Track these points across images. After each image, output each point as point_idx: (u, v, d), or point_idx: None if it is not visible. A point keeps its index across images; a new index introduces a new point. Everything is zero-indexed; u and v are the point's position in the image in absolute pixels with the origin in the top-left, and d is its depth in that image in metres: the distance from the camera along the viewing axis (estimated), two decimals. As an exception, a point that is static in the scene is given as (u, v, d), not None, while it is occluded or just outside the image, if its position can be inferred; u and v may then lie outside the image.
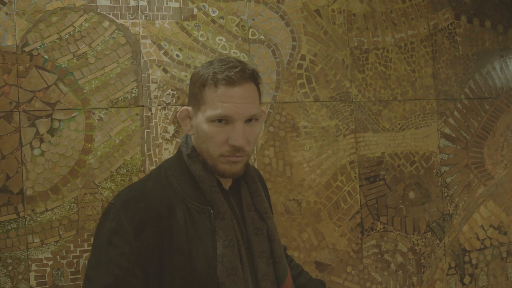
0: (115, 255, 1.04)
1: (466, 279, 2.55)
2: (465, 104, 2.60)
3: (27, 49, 1.88)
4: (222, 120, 1.09)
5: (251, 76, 1.13)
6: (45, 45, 1.91)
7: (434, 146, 2.52)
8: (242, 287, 1.12)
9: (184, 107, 1.17)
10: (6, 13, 1.87)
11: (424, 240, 2.48)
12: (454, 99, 2.58)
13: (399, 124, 2.46)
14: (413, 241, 2.46)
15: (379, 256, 2.39)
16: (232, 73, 1.09)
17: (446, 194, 2.54)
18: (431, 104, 2.52)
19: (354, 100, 2.37)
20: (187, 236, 1.09)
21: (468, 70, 2.62)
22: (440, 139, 2.54)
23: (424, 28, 2.53)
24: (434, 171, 2.52)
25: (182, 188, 1.14)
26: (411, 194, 2.47)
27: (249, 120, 1.12)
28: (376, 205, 2.39)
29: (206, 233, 1.12)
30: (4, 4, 1.86)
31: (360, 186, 2.36)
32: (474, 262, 2.57)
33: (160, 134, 2.04)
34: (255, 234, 1.22)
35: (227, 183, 1.24)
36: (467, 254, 2.56)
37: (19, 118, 1.87)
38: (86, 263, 1.92)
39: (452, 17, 2.59)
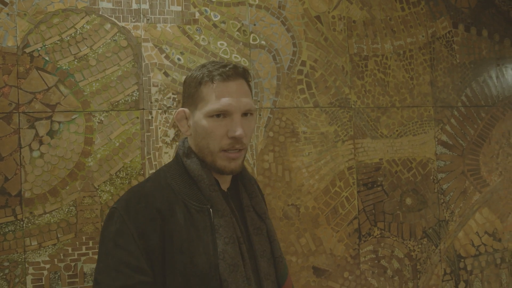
0: (123, 255, 1.06)
1: (461, 285, 2.57)
2: (462, 112, 2.63)
3: (27, 50, 1.87)
4: (220, 114, 1.14)
5: (243, 73, 1.20)
6: (46, 46, 1.89)
7: (431, 153, 2.54)
8: (244, 284, 1.14)
9: (181, 109, 1.21)
10: (8, 14, 1.85)
11: (420, 246, 2.50)
12: (451, 107, 2.60)
13: (397, 130, 2.47)
14: (409, 247, 2.47)
15: (376, 261, 2.40)
16: (227, 69, 1.16)
17: (442, 200, 2.56)
18: (429, 111, 2.55)
19: (353, 106, 2.38)
20: (187, 235, 1.11)
21: (465, 78, 2.65)
22: (437, 146, 2.56)
23: (423, 36, 2.55)
24: (431, 177, 2.54)
25: (180, 189, 1.17)
26: (408, 200, 2.48)
27: (245, 114, 1.18)
28: (373, 211, 2.40)
29: (206, 231, 1.13)
30: (5, 4, 1.85)
31: (358, 192, 2.37)
32: (469, 268, 2.59)
33: (160, 137, 2.03)
34: (255, 234, 1.25)
35: (225, 185, 1.26)
36: (462, 260, 2.58)
37: (19, 119, 1.85)
38: (83, 267, 1.91)
39: (450, 25, 2.62)
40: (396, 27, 2.50)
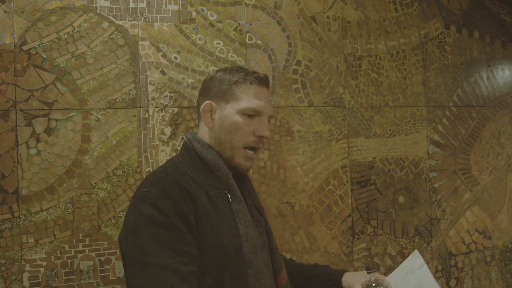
0: (174, 234, 1.07)
1: (452, 282, 2.61)
2: (454, 112, 2.67)
3: (25, 47, 1.87)
4: (252, 115, 1.24)
5: (269, 83, 1.33)
6: (44, 44, 1.90)
7: (423, 152, 2.58)
8: (263, 265, 1.22)
9: (208, 102, 1.27)
10: (5, 11, 1.85)
11: (412, 243, 2.54)
12: (443, 107, 2.64)
13: (390, 130, 2.51)
14: (401, 245, 2.51)
15: (369, 259, 2.43)
16: (262, 75, 1.28)
17: (434, 199, 2.60)
18: (421, 111, 2.58)
19: (347, 105, 2.41)
20: (213, 218, 1.16)
21: (457, 79, 2.69)
22: (429, 145, 2.60)
23: (416, 37, 2.59)
24: (423, 176, 2.58)
25: (198, 177, 1.22)
26: (401, 199, 2.52)
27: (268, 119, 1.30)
28: (367, 209, 2.43)
29: (227, 215, 1.19)
30: (3, 2, 1.85)
31: (351, 190, 2.40)
32: (460, 265, 2.64)
33: (157, 135, 2.05)
34: (257, 225, 1.32)
35: None
36: (453, 257, 2.63)
37: (16, 117, 1.86)
38: (80, 264, 1.91)
39: (442, 26, 2.66)
40: (390, 28, 2.53)
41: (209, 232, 1.13)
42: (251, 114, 1.24)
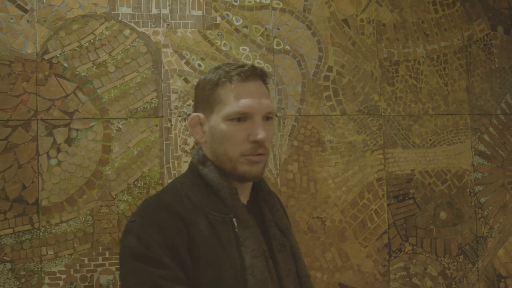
0: (157, 269, 0.96)
1: (501, 307, 2.39)
2: (501, 120, 2.46)
3: (47, 57, 1.85)
4: (241, 118, 1.05)
5: (262, 74, 1.11)
6: (65, 53, 1.87)
7: (467, 164, 2.39)
8: None
9: (194, 114, 1.12)
10: (28, 21, 1.84)
11: (455, 263, 2.34)
12: (490, 115, 2.44)
13: (430, 140, 2.33)
14: (443, 265, 2.32)
15: (407, 279, 2.26)
16: (245, 68, 1.07)
17: (480, 215, 2.39)
18: (465, 120, 2.39)
19: (383, 114, 2.26)
20: (212, 248, 1.01)
21: (505, 84, 2.49)
22: (474, 156, 2.40)
23: (458, 40, 2.41)
24: (468, 190, 2.38)
25: (199, 199, 1.07)
26: (442, 214, 2.33)
27: (265, 118, 1.08)
28: (404, 225, 2.26)
29: (231, 243, 1.04)
30: (25, 11, 1.84)
31: (388, 204, 2.24)
32: (510, 289, 2.41)
33: (180, 146, 1.97)
34: (279, 251, 1.13)
35: (243, 197, 1.15)
36: (502, 280, 2.40)
37: (37, 126, 1.83)
38: (100, 278, 1.86)
39: (488, 28, 2.47)
40: (429, 30, 2.36)
41: (206, 265, 1.00)
42: (239, 118, 1.05)
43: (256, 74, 1.09)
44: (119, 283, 1.03)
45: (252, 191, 1.18)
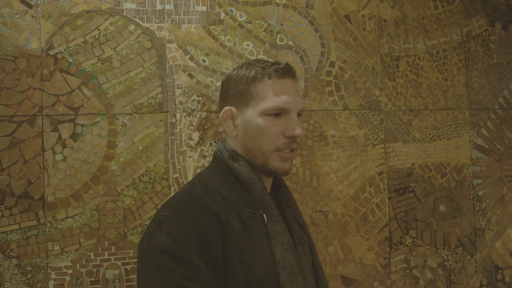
0: (186, 269, 0.94)
1: (499, 298, 2.43)
2: (499, 114, 2.50)
3: (51, 52, 1.85)
4: (277, 114, 1.07)
5: (293, 73, 1.13)
6: (70, 48, 1.87)
7: (466, 157, 2.42)
8: None
9: (227, 108, 1.12)
10: (32, 16, 1.83)
11: (454, 255, 2.38)
12: (488, 109, 2.48)
13: (430, 134, 2.36)
14: (443, 257, 2.36)
15: (408, 271, 2.29)
16: (282, 65, 1.09)
17: (478, 208, 2.43)
18: (464, 114, 2.43)
19: (384, 109, 2.28)
20: (244, 243, 1.02)
21: (503, 79, 2.52)
22: (473, 150, 2.43)
23: (457, 35, 2.44)
24: (466, 183, 2.42)
25: (229, 194, 1.07)
26: (442, 208, 2.37)
27: (298, 115, 1.11)
28: (405, 218, 2.29)
29: (261, 238, 1.04)
30: (30, 7, 1.83)
31: (389, 198, 2.27)
32: (507, 280, 2.45)
33: (185, 141, 1.98)
34: (299, 243, 1.15)
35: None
36: (500, 271, 2.45)
37: (42, 122, 1.83)
38: (105, 273, 1.86)
39: (486, 24, 2.50)
40: (429, 26, 2.39)
41: (238, 261, 0.99)
42: (276, 114, 1.07)
43: (290, 72, 1.11)
44: (136, 276, 1.01)
45: (272, 185, 1.19)
